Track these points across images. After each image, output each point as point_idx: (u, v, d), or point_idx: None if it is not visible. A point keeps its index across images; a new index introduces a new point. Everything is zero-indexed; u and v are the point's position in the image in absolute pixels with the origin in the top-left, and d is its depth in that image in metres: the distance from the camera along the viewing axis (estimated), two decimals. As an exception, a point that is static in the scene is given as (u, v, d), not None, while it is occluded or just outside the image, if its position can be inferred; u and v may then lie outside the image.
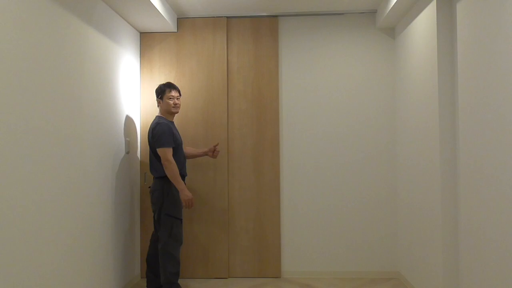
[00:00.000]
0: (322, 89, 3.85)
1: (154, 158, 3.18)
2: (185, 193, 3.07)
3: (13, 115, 2.00)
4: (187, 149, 3.53)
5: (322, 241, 3.81)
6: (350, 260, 3.79)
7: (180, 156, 3.21)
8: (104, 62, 3.05)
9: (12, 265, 1.98)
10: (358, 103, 3.83)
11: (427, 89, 3.00)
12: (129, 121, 3.54)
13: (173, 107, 3.23)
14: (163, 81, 3.67)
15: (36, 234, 2.17)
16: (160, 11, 3.30)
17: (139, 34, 3.83)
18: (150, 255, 3.32)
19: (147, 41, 3.84)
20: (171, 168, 3.06)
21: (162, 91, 3.24)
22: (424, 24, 3.04)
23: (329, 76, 3.85)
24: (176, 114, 3.36)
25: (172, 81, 3.57)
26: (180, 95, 3.31)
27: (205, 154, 3.52)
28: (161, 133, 3.08)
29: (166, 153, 3.07)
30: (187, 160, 3.57)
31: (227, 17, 3.84)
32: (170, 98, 3.22)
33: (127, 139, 3.48)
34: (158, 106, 3.30)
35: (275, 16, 3.85)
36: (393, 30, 3.83)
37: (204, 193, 3.78)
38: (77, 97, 2.63)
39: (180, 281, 3.23)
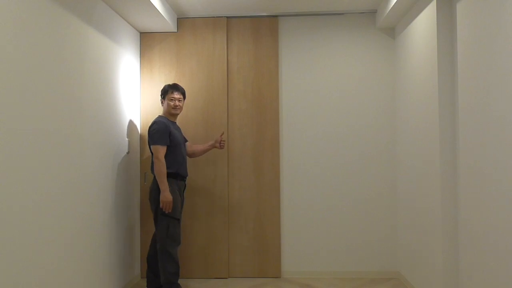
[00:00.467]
0: (322, 89, 3.85)
1: (152, 156, 3.20)
2: (165, 194, 3.06)
3: (13, 115, 2.00)
4: (194, 146, 3.55)
5: (322, 241, 3.81)
6: (350, 260, 3.79)
7: (177, 155, 3.22)
8: (104, 62, 3.05)
9: (12, 265, 1.98)
10: (358, 103, 3.83)
11: (427, 89, 2.99)
12: (129, 121, 3.54)
13: (173, 108, 3.26)
14: (163, 81, 3.70)
15: (36, 234, 2.17)
16: (160, 11, 3.30)
17: (139, 34, 3.83)
18: (151, 255, 3.32)
19: (147, 41, 3.84)
20: (159, 167, 3.08)
21: (166, 92, 3.29)
22: (424, 24, 3.04)
23: (329, 76, 3.85)
24: (178, 115, 3.39)
25: (172, 81, 3.58)
26: (184, 97, 3.35)
27: (213, 146, 3.52)
28: (156, 131, 3.12)
29: (158, 151, 3.10)
30: (195, 158, 3.62)
31: (227, 17, 3.84)
32: (172, 100, 3.25)
33: (127, 139, 3.48)
34: (162, 105, 3.34)
35: (275, 16, 3.85)
36: (393, 30, 3.83)
37: (204, 193, 3.78)
38: (77, 97, 2.63)
39: (180, 281, 3.23)
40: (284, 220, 3.83)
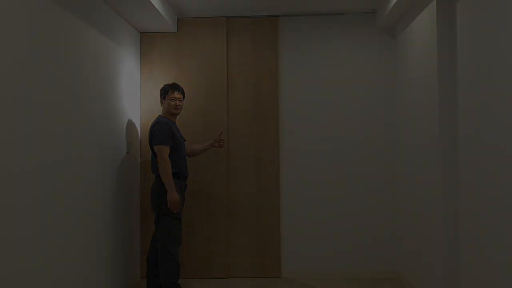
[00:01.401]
0: (322, 89, 3.85)
1: (154, 157, 3.18)
2: (172, 194, 3.05)
3: (14, 116, 2.00)
4: (193, 146, 3.55)
5: (322, 241, 3.81)
6: (350, 260, 3.78)
7: (179, 155, 3.22)
8: (104, 62, 3.05)
9: (12, 265, 1.98)
10: (358, 103, 3.83)
11: (427, 89, 2.99)
12: (129, 121, 3.54)
13: (174, 108, 3.25)
14: (163, 81, 3.68)
15: (36, 234, 2.17)
16: (160, 11, 3.30)
17: (139, 34, 3.83)
18: (151, 255, 3.31)
19: (147, 41, 3.84)
20: (164, 167, 3.06)
21: (166, 91, 3.27)
22: (424, 24, 3.04)
23: (329, 76, 3.85)
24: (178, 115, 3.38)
25: (172, 81, 3.57)
26: (183, 97, 3.34)
27: (211, 146, 3.52)
28: (159, 131, 3.11)
29: (162, 151, 3.08)
30: (195, 157, 3.60)
31: (227, 17, 3.84)
32: (172, 99, 3.24)
33: (127, 139, 3.48)
34: (161, 105, 3.32)
35: (275, 16, 3.85)
36: (393, 30, 3.83)
37: (204, 193, 3.78)
38: (77, 97, 2.63)
39: (180, 281, 3.22)
40: (284, 220, 3.83)
